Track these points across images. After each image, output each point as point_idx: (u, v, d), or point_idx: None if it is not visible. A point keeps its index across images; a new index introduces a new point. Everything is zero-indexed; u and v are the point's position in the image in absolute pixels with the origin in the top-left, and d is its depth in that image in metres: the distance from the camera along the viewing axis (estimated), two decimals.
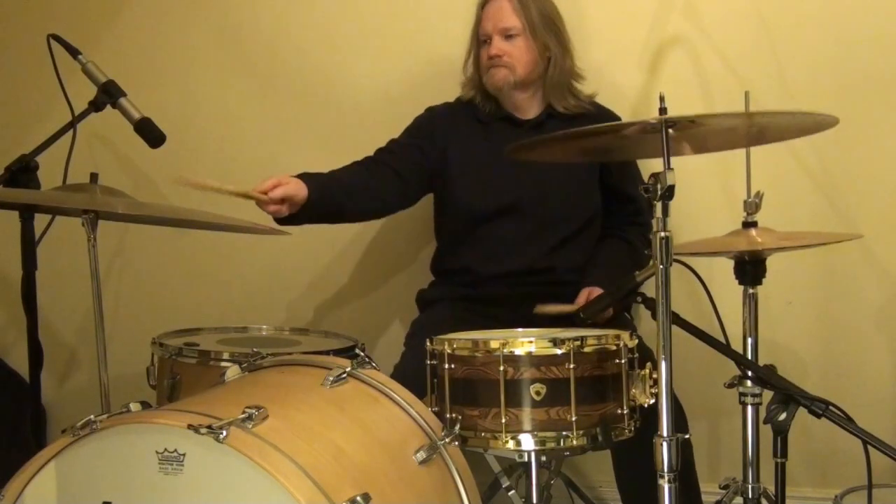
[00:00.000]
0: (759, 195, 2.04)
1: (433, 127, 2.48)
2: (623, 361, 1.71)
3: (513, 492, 2.18)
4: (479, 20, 2.42)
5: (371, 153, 2.44)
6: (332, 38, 2.85)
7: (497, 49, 2.37)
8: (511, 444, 1.67)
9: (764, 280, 2.06)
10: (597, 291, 2.27)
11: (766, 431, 1.81)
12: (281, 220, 2.18)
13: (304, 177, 2.18)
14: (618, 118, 2.45)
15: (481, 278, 2.41)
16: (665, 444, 1.57)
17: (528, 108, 2.46)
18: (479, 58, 2.44)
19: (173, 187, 2.93)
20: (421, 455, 1.65)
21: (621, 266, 2.33)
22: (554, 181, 2.41)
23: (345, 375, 1.74)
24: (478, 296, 2.40)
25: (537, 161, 2.24)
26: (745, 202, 2.05)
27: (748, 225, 2.04)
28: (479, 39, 2.43)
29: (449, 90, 2.56)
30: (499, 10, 2.38)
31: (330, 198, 2.23)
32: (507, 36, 2.37)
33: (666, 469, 1.57)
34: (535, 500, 1.76)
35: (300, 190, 2.14)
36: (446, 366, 1.72)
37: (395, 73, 2.80)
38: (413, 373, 1.90)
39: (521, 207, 2.40)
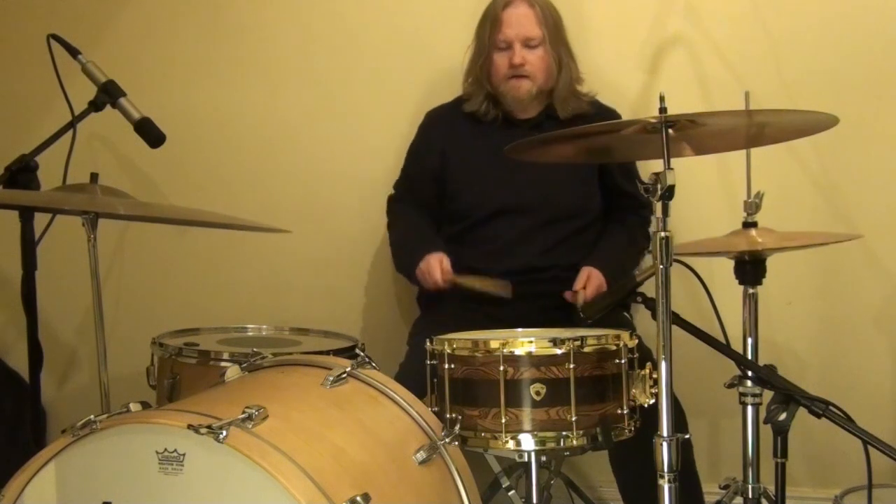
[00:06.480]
0: (759, 195, 2.04)
1: (431, 137, 2.50)
2: (623, 361, 1.70)
3: (513, 492, 2.18)
4: (498, 25, 2.35)
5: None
6: (335, 39, 2.85)
7: (521, 58, 2.33)
8: (511, 444, 1.67)
9: (764, 280, 2.06)
10: (595, 273, 2.28)
11: (766, 431, 1.81)
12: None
13: (431, 246, 2.35)
14: (618, 116, 2.45)
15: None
16: (665, 444, 1.57)
17: (527, 108, 2.45)
18: (490, 62, 2.39)
19: (173, 187, 2.94)
20: (421, 455, 1.65)
21: (621, 249, 2.35)
22: (554, 181, 2.40)
23: (345, 375, 1.74)
24: (478, 295, 2.40)
25: (537, 161, 2.24)
26: (745, 202, 2.05)
27: (748, 225, 2.04)
28: (495, 45, 2.37)
29: (449, 92, 2.56)
30: (522, 18, 2.34)
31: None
32: (529, 45, 2.34)
33: (666, 469, 1.57)
34: (535, 500, 1.76)
35: (446, 258, 2.33)
36: (446, 366, 1.71)
37: (397, 73, 2.80)
38: (415, 372, 1.90)
39: (522, 208, 2.40)
